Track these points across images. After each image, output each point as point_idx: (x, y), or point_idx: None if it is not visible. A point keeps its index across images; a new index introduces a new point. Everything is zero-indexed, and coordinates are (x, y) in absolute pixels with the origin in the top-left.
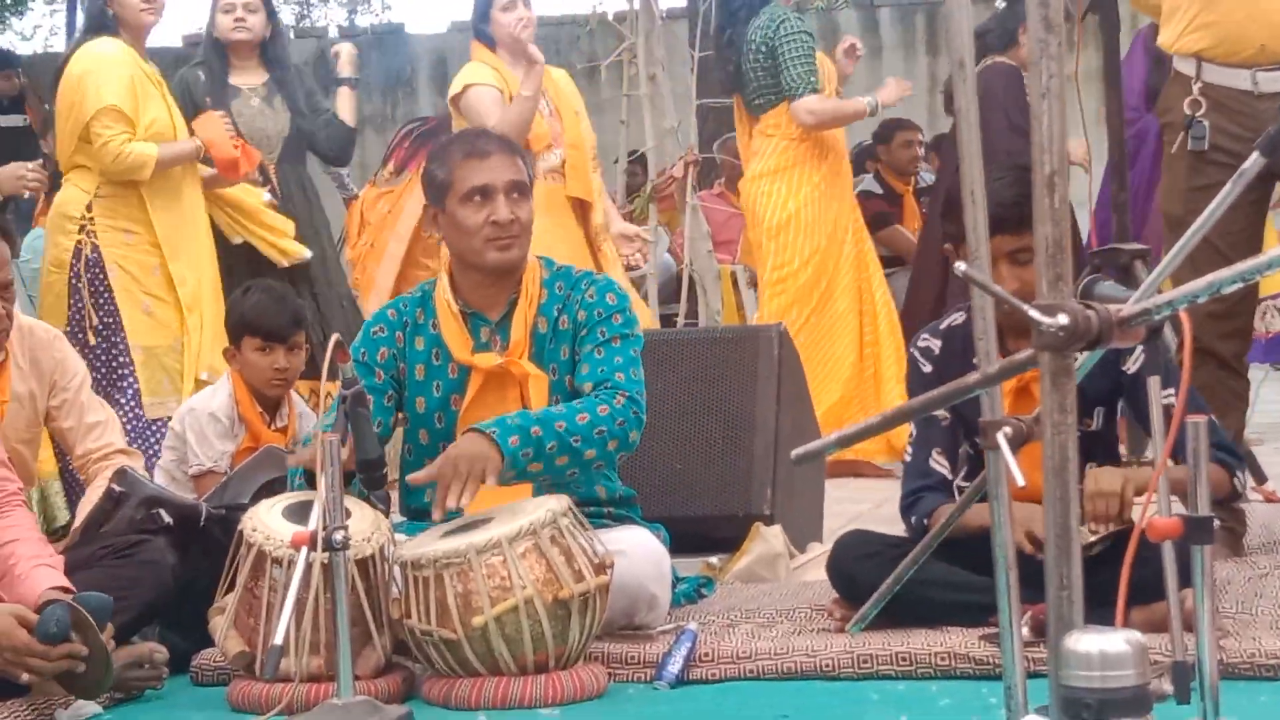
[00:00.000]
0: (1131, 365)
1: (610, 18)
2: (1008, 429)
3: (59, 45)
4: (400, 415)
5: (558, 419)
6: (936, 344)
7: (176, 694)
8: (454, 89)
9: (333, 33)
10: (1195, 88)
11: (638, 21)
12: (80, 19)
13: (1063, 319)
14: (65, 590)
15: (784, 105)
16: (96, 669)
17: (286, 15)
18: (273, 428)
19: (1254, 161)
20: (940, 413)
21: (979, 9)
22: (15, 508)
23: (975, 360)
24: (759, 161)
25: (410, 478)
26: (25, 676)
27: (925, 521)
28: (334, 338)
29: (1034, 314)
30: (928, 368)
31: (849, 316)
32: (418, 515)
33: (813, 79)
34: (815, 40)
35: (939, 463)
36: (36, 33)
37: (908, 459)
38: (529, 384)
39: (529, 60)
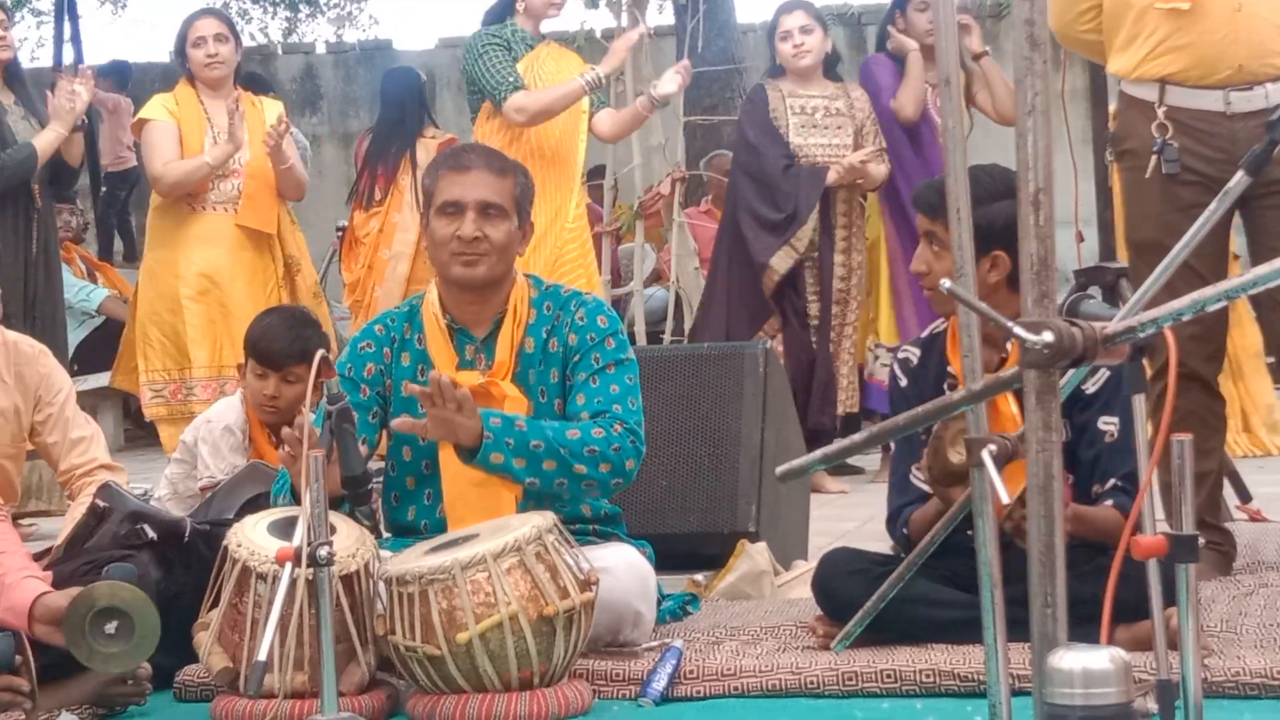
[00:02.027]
0: (1092, 385)
1: (598, 35)
2: (992, 446)
3: (46, 58)
4: (386, 431)
5: (546, 428)
6: (916, 354)
7: (160, 710)
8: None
9: (320, 49)
10: (1160, 112)
11: None
12: (67, 30)
13: (1047, 336)
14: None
15: (482, 112)
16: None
17: (274, 30)
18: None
19: (1239, 180)
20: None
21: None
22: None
23: (949, 369)
24: None
25: (394, 423)
26: None
27: (904, 531)
28: (319, 353)
29: (1019, 331)
30: (904, 381)
31: None
32: (403, 531)
33: (511, 76)
34: (506, 47)
35: (919, 478)
36: (23, 44)
37: (890, 477)
38: (507, 407)
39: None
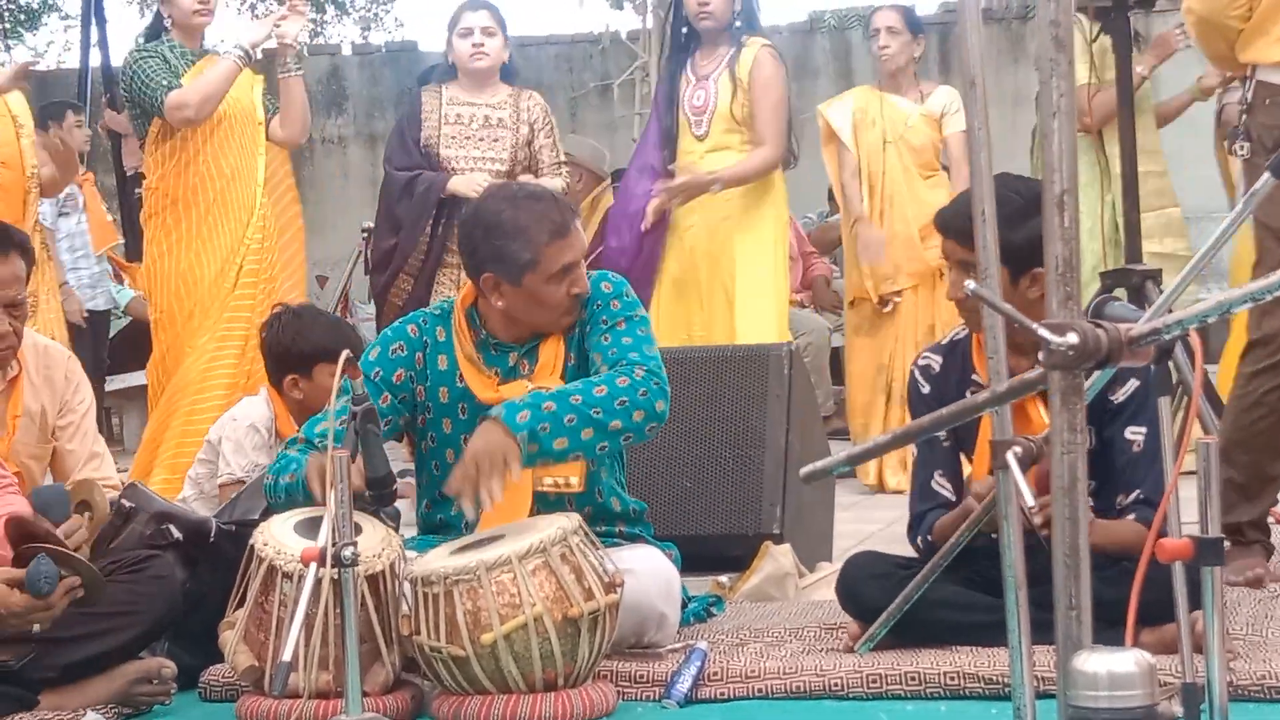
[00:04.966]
0: (1120, 395)
1: (623, 37)
2: (1017, 449)
3: (72, 61)
4: (407, 437)
5: (573, 394)
6: (938, 360)
7: (185, 709)
8: None
9: (346, 50)
10: None
11: (650, 40)
12: (95, 34)
13: (1072, 338)
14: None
15: (150, 135)
16: (94, 586)
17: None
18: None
19: (1265, 182)
20: (940, 435)
21: (990, 28)
22: (9, 493)
23: (973, 376)
24: None
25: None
26: (36, 627)
27: (929, 538)
28: (344, 354)
29: (1043, 332)
30: (926, 388)
31: None
32: (441, 528)
33: (165, 80)
34: (164, 60)
35: (941, 485)
36: (50, 48)
37: (912, 483)
38: None
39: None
